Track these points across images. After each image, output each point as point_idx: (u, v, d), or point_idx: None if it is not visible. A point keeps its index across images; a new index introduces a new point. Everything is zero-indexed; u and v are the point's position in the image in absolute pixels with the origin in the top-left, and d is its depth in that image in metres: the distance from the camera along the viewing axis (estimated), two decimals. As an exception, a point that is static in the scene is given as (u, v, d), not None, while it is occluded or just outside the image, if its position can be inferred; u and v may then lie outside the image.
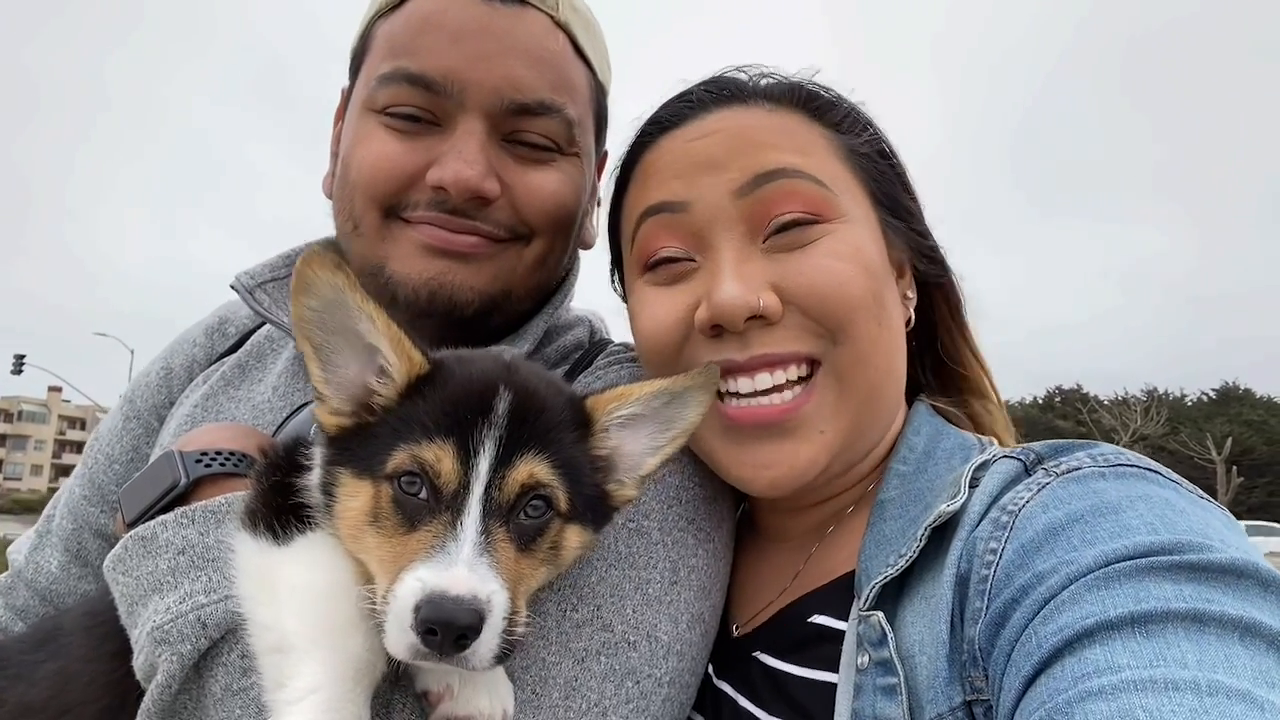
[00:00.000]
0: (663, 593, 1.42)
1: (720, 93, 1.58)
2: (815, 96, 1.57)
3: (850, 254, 1.44)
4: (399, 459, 1.17)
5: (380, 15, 1.73)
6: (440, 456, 1.15)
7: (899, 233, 1.57)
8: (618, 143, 1.71)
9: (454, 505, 1.14)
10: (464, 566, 1.09)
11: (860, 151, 1.54)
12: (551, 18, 1.70)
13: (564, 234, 1.80)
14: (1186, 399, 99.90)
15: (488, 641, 1.08)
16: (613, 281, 1.84)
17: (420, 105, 1.65)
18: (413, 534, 1.13)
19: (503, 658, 1.11)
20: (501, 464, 1.17)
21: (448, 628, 1.05)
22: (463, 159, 1.61)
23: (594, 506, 1.30)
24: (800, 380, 1.46)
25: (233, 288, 1.86)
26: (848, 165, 1.52)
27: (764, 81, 1.60)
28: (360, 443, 1.23)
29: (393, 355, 1.24)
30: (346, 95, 1.85)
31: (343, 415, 1.26)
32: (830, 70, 1.63)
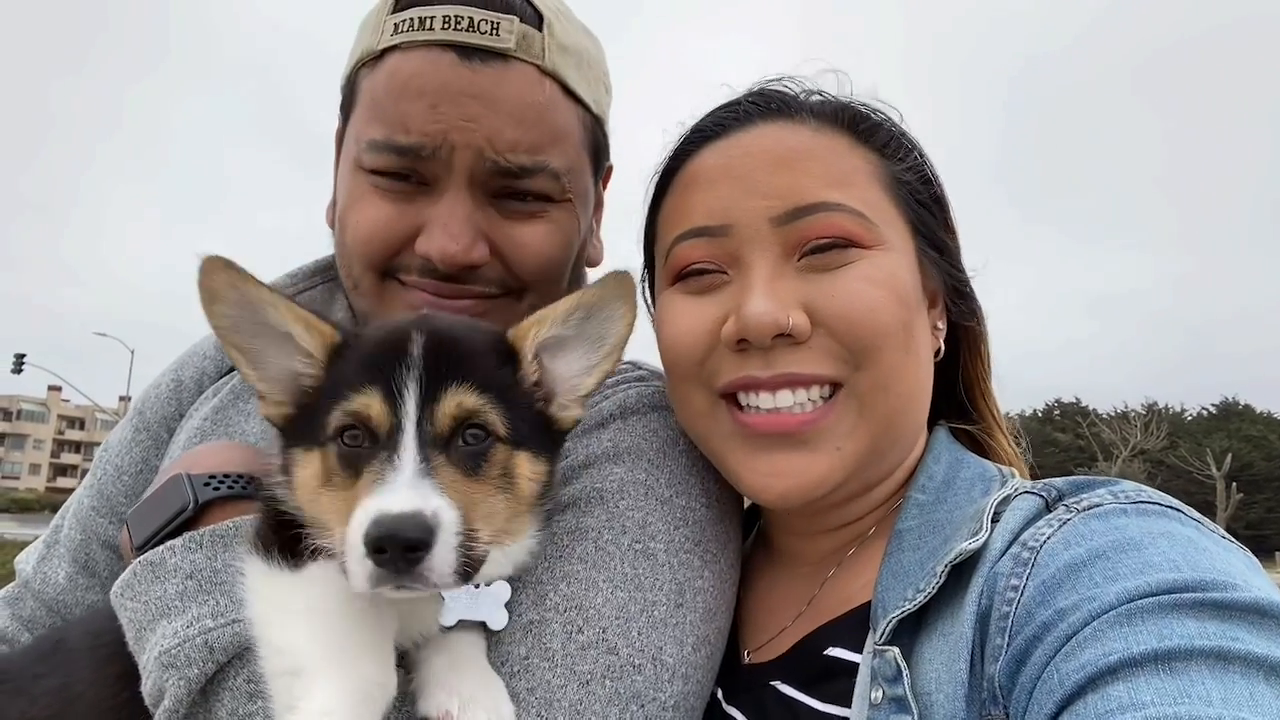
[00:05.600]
0: (668, 615, 1.41)
1: (767, 106, 1.56)
2: (863, 118, 1.55)
3: (884, 280, 1.43)
4: (335, 419, 1.23)
5: (363, 64, 1.71)
6: (368, 403, 1.21)
7: (934, 263, 1.55)
8: (655, 147, 1.69)
9: (390, 444, 1.19)
10: (405, 488, 1.14)
11: (902, 179, 1.52)
12: (538, 67, 1.66)
13: (556, 283, 1.80)
14: (1186, 414, 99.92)
15: (442, 555, 1.11)
16: (641, 287, 1.82)
17: (407, 169, 1.64)
18: (358, 481, 1.18)
19: (466, 575, 1.14)
20: (428, 399, 1.22)
21: (393, 541, 1.08)
22: (448, 233, 1.62)
23: (539, 432, 1.35)
24: (822, 399, 1.45)
25: None
26: (889, 192, 1.50)
27: (812, 98, 1.57)
28: (304, 421, 1.30)
29: (304, 333, 1.31)
30: (340, 133, 1.84)
31: (283, 405, 1.33)
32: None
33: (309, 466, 1.25)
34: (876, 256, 1.44)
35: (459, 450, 1.22)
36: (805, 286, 1.43)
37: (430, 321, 1.35)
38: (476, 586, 1.35)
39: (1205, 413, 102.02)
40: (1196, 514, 1.19)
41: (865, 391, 1.42)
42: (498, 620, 1.36)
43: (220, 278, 1.27)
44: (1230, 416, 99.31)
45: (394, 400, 1.21)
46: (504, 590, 1.38)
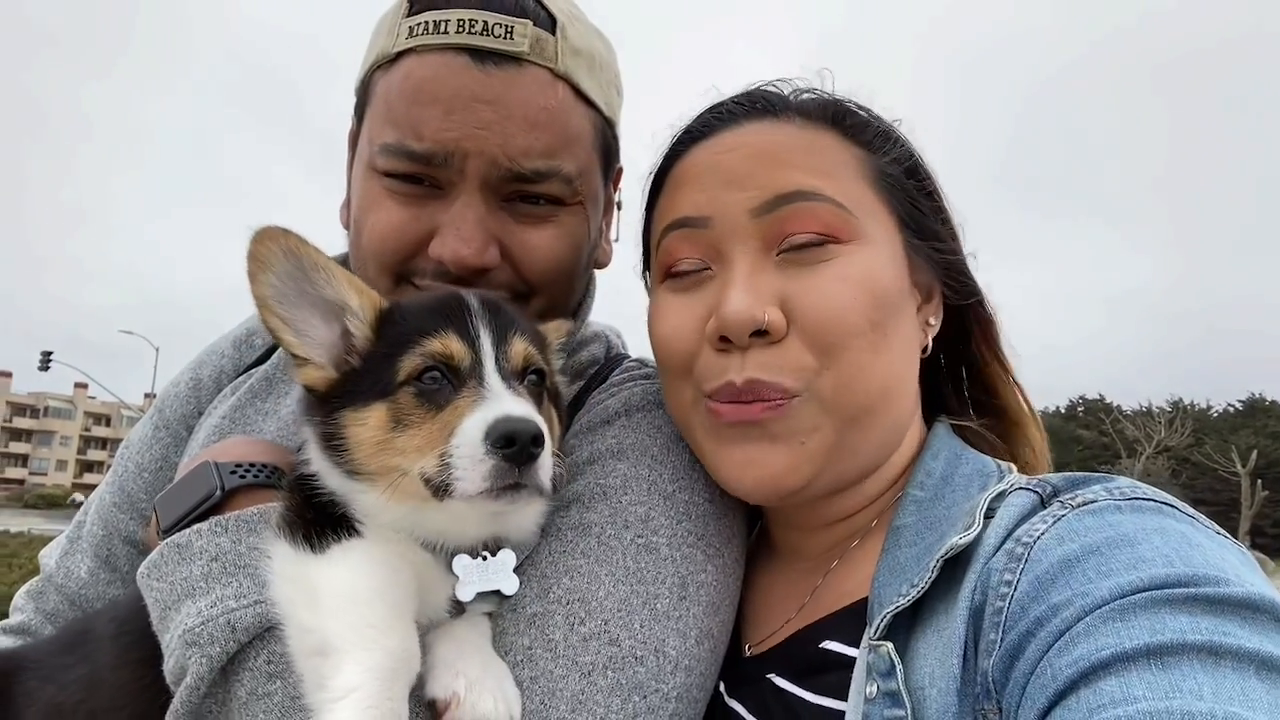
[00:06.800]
0: (671, 608, 1.43)
1: (753, 106, 1.58)
2: (848, 114, 1.56)
3: (859, 278, 1.44)
4: (410, 364, 1.32)
5: (378, 66, 1.73)
6: (448, 344, 1.33)
7: (925, 256, 1.55)
8: (651, 149, 1.72)
9: (475, 375, 1.32)
10: (510, 398, 1.29)
11: (889, 172, 1.53)
12: (551, 70, 1.67)
13: (565, 286, 1.82)
14: (1212, 410, 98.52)
15: (546, 460, 1.25)
16: (645, 279, 1.84)
17: (420, 174, 1.66)
18: (443, 411, 1.28)
19: (554, 488, 1.30)
20: (499, 342, 1.36)
21: (520, 435, 1.21)
22: (460, 237, 1.64)
23: (556, 400, 1.52)
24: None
25: None
26: (875, 187, 1.51)
27: (799, 97, 1.59)
28: (353, 384, 1.37)
29: (355, 296, 1.40)
30: (354, 134, 1.86)
31: (325, 370, 1.39)
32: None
33: (369, 419, 1.32)
34: (854, 253, 1.45)
35: (526, 387, 1.37)
36: (784, 282, 1.44)
37: (471, 291, 1.47)
38: (484, 559, 1.40)
39: (1231, 409, 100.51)
40: (1191, 510, 1.20)
41: (827, 392, 1.43)
42: (510, 586, 1.40)
43: (277, 244, 1.35)
44: (1256, 413, 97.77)
45: (471, 342, 1.34)
46: (511, 558, 1.42)
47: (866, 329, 1.43)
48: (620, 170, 2.02)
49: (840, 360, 1.42)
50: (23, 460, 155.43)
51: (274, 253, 1.36)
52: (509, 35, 1.62)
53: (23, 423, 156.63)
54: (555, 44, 1.67)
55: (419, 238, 1.68)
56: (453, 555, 1.38)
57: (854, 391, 1.44)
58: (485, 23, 1.62)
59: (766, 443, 1.45)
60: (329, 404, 1.38)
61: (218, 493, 1.43)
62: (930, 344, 1.60)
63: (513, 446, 1.21)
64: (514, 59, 1.63)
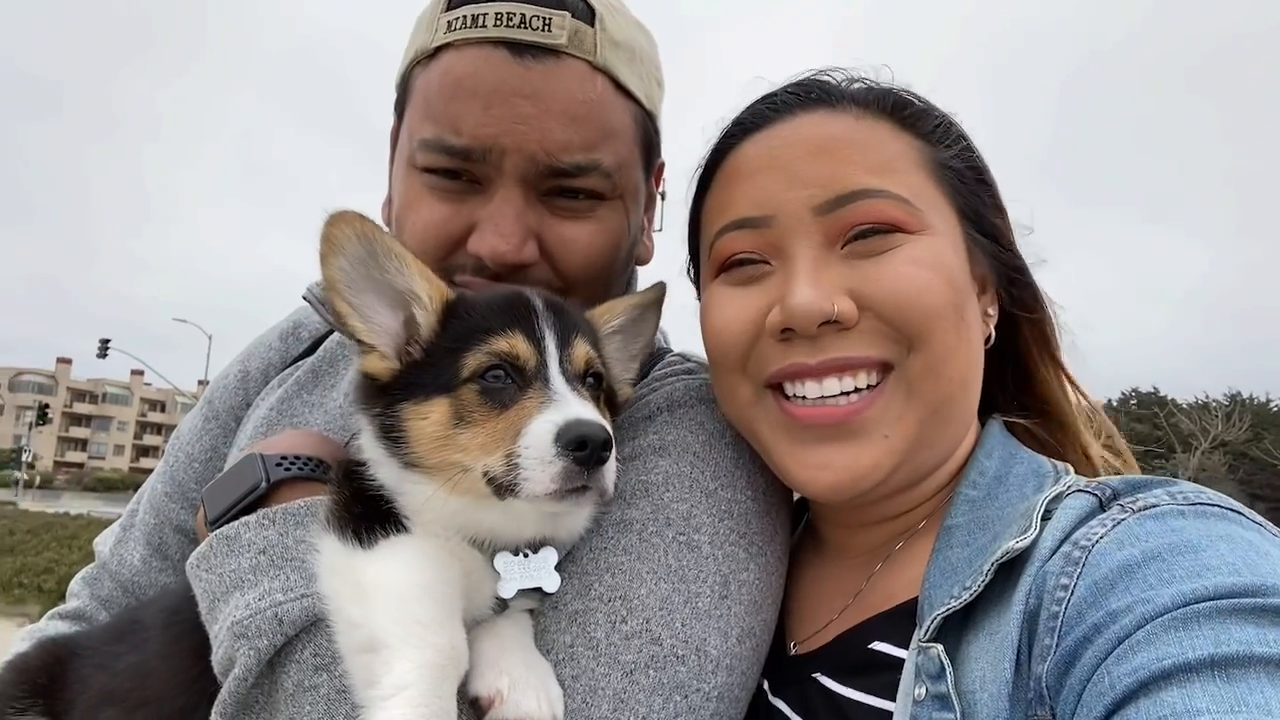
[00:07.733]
0: (713, 607, 1.41)
1: (806, 96, 1.54)
2: (905, 104, 1.52)
3: (932, 262, 1.41)
4: (475, 361, 1.33)
5: (417, 62, 1.73)
6: (514, 344, 1.34)
7: (984, 249, 1.52)
8: (698, 143, 1.68)
9: (540, 376, 1.33)
10: (577, 402, 1.31)
11: (948, 164, 1.49)
12: (589, 63, 1.66)
13: (604, 281, 1.81)
14: (1272, 404, 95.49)
15: (612, 464, 1.27)
16: (689, 274, 1.82)
17: (459, 169, 1.66)
18: (508, 410, 1.30)
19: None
20: (563, 344, 1.38)
21: (593, 439, 1.23)
22: (499, 233, 1.64)
23: (610, 396, 1.53)
24: (869, 388, 1.43)
25: (305, 299, 1.91)
26: (934, 178, 1.47)
27: (853, 86, 1.55)
28: (414, 376, 1.38)
29: (425, 285, 1.41)
30: (395, 131, 1.87)
31: (388, 360, 1.40)
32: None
33: (431, 414, 1.33)
34: (921, 241, 1.42)
35: (586, 389, 1.39)
36: (850, 273, 1.41)
37: (534, 290, 1.48)
38: (525, 556, 1.40)
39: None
40: (1259, 517, 1.14)
41: (916, 375, 1.40)
42: (551, 583, 1.40)
43: (349, 229, 1.36)
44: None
45: (536, 343, 1.35)
46: (553, 555, 1.42)
47: (950, 311, 1.40)
48: (662, 164, 1.99)
49: (929, 342, 1.39)
50: (82, 444, 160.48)
51: (348, 237, 1.36)
52: (547, 28, 1.62)
53: (82, 408, 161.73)
54: (594, 36, 1.66)
55: (459, 234, 1.68)
56: (496, 553, 1.38)
57: (940, 377, 1.41)
58: (523, 15, 1.61)
59: (848, 441, 1.42)
60: (389, 394, 1.38)
61: (263, 484, 1.44)
62: (993, 334, 1.56)
63: (584, 450, 1.22)
64: (552, 52, 1.62)
